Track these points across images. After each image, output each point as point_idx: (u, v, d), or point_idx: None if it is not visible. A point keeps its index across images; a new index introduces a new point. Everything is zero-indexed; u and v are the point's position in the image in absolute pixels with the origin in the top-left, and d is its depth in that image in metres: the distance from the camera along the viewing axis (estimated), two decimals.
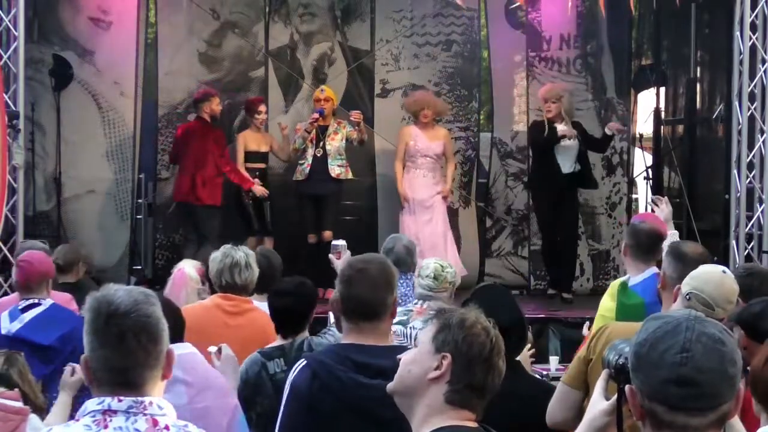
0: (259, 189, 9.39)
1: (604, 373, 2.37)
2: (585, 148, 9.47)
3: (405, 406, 2.40)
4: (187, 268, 5.27)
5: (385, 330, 3.22)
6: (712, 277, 3.50)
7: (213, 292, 5.08)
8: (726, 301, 3.40)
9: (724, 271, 3.58)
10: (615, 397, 2.30)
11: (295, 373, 3.21)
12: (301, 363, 3.22)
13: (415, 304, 5.28)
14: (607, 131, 9.50)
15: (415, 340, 4.35)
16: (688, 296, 3.48)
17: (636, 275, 4.78)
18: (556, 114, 9.31)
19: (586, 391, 3.58)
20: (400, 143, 9.73)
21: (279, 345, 4.37)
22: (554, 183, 9.38)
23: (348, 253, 5.00)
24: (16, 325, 4.89)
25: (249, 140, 9.52)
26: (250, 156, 9.51)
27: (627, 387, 1.86)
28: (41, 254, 5.46)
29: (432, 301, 5.10)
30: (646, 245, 4.78)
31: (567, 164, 9.37)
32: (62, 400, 4.26)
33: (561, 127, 9.26)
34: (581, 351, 3.70)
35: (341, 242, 5.17)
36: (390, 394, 2.45)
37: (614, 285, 4.86)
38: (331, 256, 5.10)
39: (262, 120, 9.58)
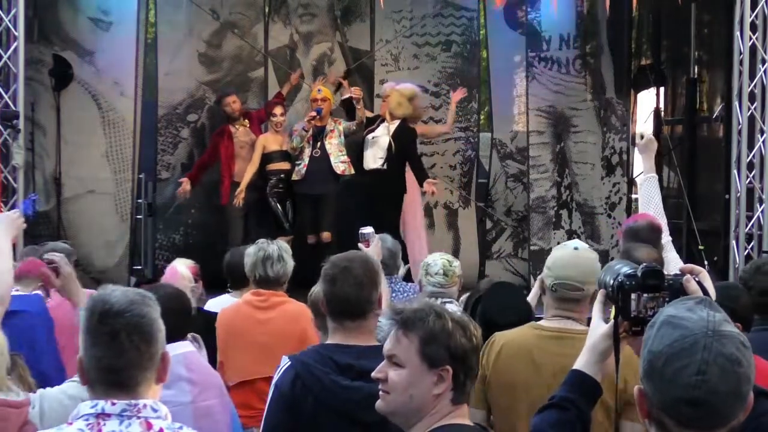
0: (184, 184, 9.50)
1: (600, 295, 2.34)
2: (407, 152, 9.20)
3: (406, 424, 2.37)
4: (179, 266, 5.30)
5: (371, 328, 3.18)
6: (568, 261, 3.39)
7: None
8: (590, 274, 3.26)
9: (576, 248, 3.49)
10: (613, 321, 2.28)
11: (280, 373, 3.18)
12: (287, 364, 3.19)
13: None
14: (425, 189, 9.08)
15: None
16: (554, 288, 3.38)
17: None
18: (383, 111, 9.33)
19: (489, 410, 3.51)
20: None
21: None
22: (359, 178, 9.29)
23: (376, 238, 4.71)
24: None
25: (269, 142, 9.57)
26: (272, 156, 9.51)
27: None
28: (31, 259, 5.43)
29: (445, 297, 5.02)
30: (649, 242, 4.50)
31: (371, 160, 9.24)
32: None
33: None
34: None
35: (369, 229, 4.79)
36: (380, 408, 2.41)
37: None
38: (360, 245, 4.73)
39: (277, 123, 9.52)
